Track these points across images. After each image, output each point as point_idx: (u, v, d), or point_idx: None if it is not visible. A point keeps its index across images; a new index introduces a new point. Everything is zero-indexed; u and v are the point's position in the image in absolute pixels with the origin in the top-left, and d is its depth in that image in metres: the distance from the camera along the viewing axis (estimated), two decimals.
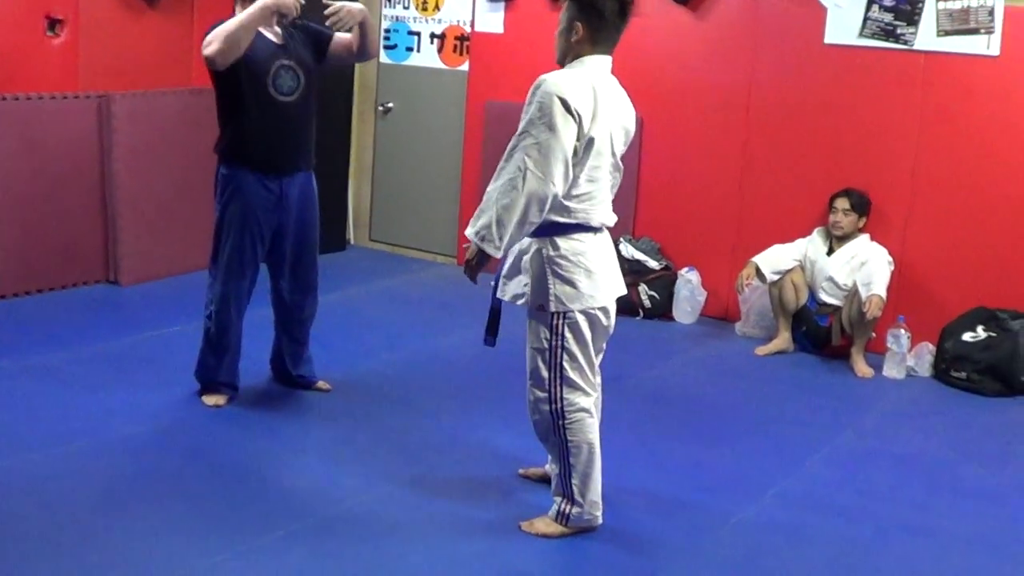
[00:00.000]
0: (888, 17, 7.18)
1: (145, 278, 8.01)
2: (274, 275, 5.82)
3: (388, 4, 9.47)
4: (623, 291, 4.60)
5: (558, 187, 4.18)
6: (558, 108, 4.14)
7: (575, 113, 4.17)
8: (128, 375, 6.14)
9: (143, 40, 8.12)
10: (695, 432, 5.90)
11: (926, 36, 7.09)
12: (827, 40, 7.44)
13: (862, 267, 7.02)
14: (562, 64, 4.42)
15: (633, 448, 5.57)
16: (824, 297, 7.25)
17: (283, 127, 5.51)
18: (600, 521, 4.64)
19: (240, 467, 5.07)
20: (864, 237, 7.21)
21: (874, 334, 7.13)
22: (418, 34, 9.35)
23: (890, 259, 7.04)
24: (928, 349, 7.07)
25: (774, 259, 7.30)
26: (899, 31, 7.15)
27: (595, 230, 4.43)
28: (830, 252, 7.24)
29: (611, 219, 4.50)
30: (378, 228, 9.75)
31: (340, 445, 5.42)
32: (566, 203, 4.27)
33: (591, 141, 4.25)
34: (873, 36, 7.25)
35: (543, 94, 4.17)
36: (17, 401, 5.66)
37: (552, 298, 4.35)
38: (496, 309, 4.61)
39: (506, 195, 4.18)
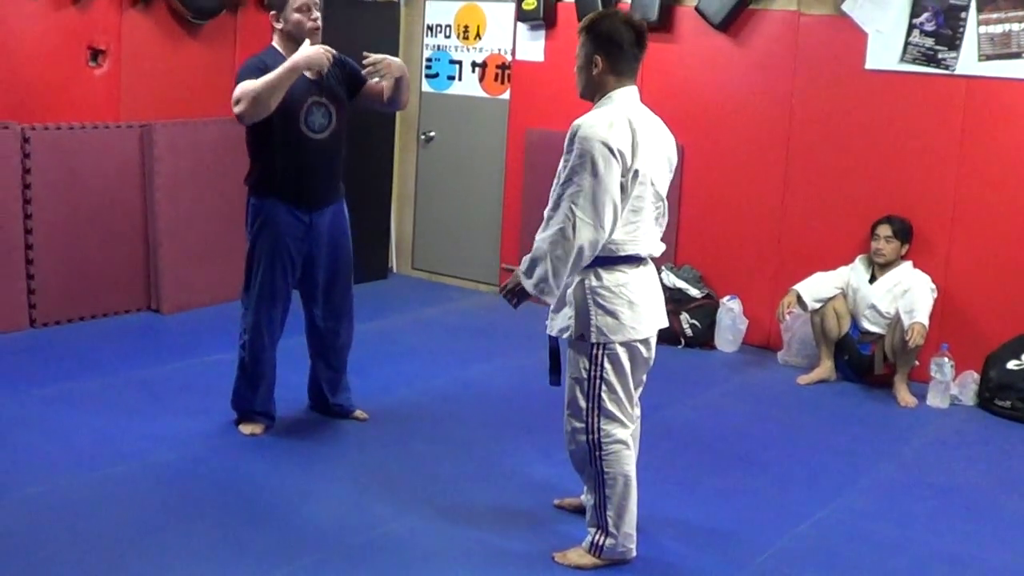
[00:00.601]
0: (929, 42, 7.12)
1: (187, 306, 8.05)
2: (307, 303, 5.82)
3: (430, 33, 9.51)
4: (665, 323, 4.57)
5: (607, 232, 4.20)
6: (600, 152, 4.15)
7: (616, 153, 4.16)
8: (165, 402, 6.17)
9: (184, 69, 8.19)
10: (733, 462, 5.84)
11: (967, 61, 7.02)
12: (868, 66, 7.39)
13: (905, 295, 6.94)
14: (588, 99, 4.43)
15: (670, 477, 5.52)
16: (867, 325, 7.17)
17: (314, 164, 5.49)
18: (634, 554, 4.59)
19: (272, 495, 5.06)
20: (907, 264, 7.14)
21: (917, 362, 7.05)
22: (460, 63, 9.38)
23: (933, 286, 6.96)
24: (972, 377, 6.97)
25: (816, 287, 7.23)
26: (940, 56, 7.09)
27: (639, 261, 4.41)
28: (872, 280, 7.17)
29: (657, 249, 4.49)
30: (420, 256, 9.76)
31: (372, 473, 5.40)
32: (613, 237, 4.27)
33: (636, 173, 4.24)
34: (914, 61, 7.19)
35: (581, 139, 4.17)
36: (53, 427, 5.70)
37: (594, 329, 4.33)
38: (555, 348, 4.59)
39: (558, 246, 4.19)
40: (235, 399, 5.81)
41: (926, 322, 6.71)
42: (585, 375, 4.40)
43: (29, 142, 7.22)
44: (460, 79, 9.39)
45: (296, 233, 5.52)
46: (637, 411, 4.66)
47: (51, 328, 7.40)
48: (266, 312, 5.60)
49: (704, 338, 7.93)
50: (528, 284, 4.27)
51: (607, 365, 4.37)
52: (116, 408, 6.04)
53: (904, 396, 6.93)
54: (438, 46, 9.49)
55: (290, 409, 6.05)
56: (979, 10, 6.95)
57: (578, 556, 4.57)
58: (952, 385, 6.93)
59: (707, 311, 7.94)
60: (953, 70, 7.09)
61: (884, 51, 7.32)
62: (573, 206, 4.16)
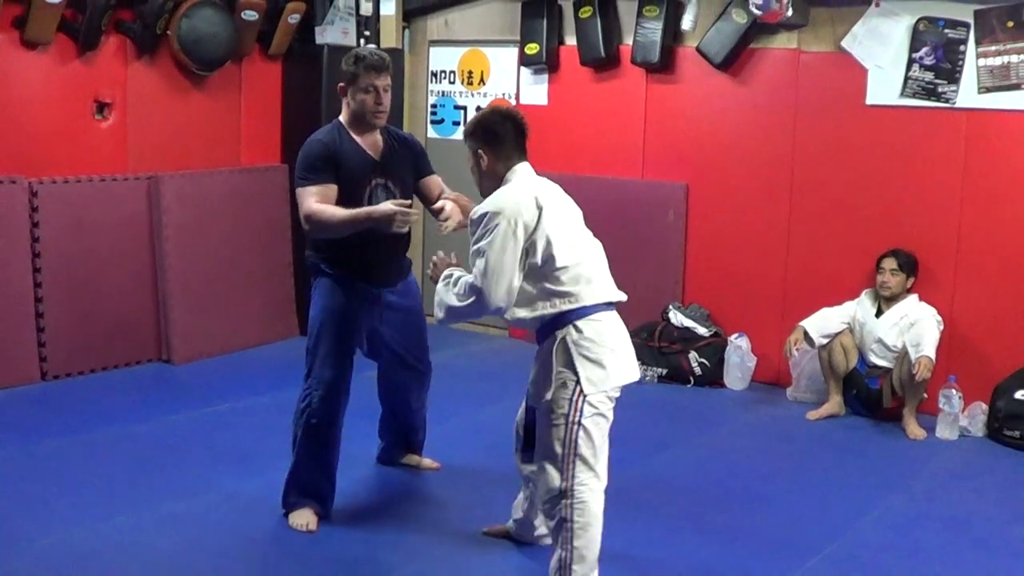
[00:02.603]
0: (929, 76, 7.16)
1: (197, 356, 8.08)
2: (381, 370, 5.74)
3: (434, 79, 9.58)
4: (636, 376, 4.63)
5: (500, 304, 4.40)
6: (504, 225, 4.33)
7: (520, 225, 4.35)
8: (177, 452, 6.19)
9: (191, 120, 8.25)
10: (743, 498, 5.83)
11: (967, 93, 7.06)
12: (869, 101, 7.43)
13: (911, 328, 6.95)
14: (490, 192, 4.59)
15: (680, 515, 5.53)
16: (874, 359, 7.18)
17: (378, 245, 5.25)
18: None
19: (287, 544, 5.08)
20: (913, 297, 7.14)
21: (926, 395, 7.04)
22: (464, 108, 9.44)
23: (939, 319, 6.97)
24: (981, 408, 6.96)
25: (822, 323, 7.24)
26: (940, 89, 7.13)
27: (608, 307, 4.51)
28: (879, 314, 7.17)
29: (620, 296, 4.60)
30: (429, 302, 9.73)
31: (381, 516, 5.42)
32: (565, 289, 4.41)
33: (551, 233, 4.39)
34: (915, 95, 7.23)
35: (484, 216, 4.37)
36: (65, 478, 5.72)
37: (584, 381, 4.38)
38: (531, 424, 4.68)
39: (462, 300, 4.47)
40: (295, 480, 5.34)
41: (933, 355, 6.71)
42: (563, 422, 4.41)
43: (37, 196, 7.27)
44: (465, 124, 9.42)
45: (361, 305, 5.34)
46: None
47: (62, 380, 7.43)
48: (341, 368, 5.30)
49: (713, 376, 7.93)
50: (438, 307, 4.59)
51: (586, 411, 4.40)
52: (128, 459, 6.06)
53: (913, 429, 6.92)
54: (443, 92, 9.56)
55: None
56: (978, 43, 6.99)
57: None
58: (961, 416, 6.92)
59: (715, 349, 7.95)
60: (954, 103, 7.12)
61: (884, 86, 7.36)
62: (482, 276, 4.35)
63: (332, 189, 5.14)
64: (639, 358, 7.87)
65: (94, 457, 6.06)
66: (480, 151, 4.59)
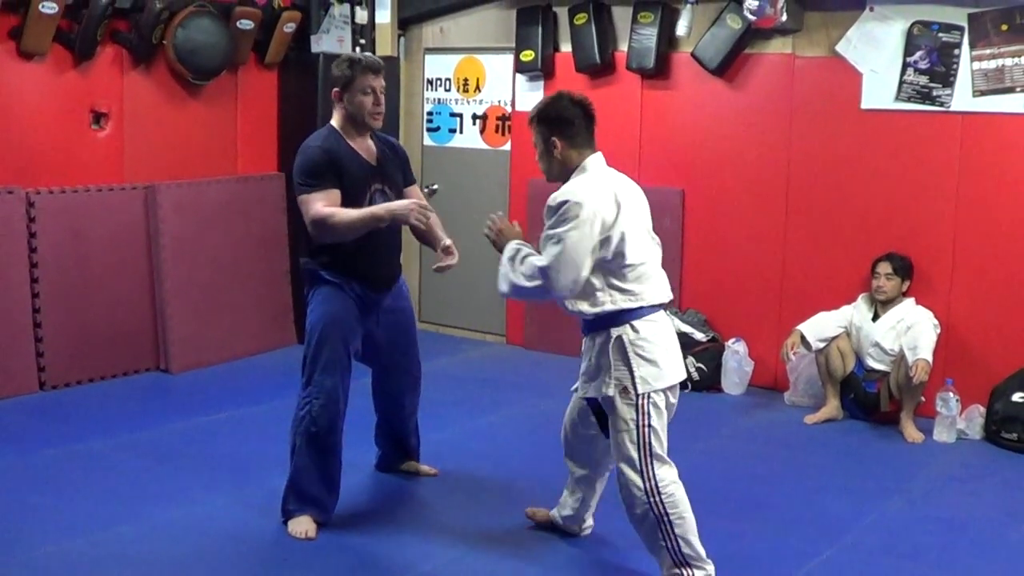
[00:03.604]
0: (923, 80, 7.18)
1: (195, 365, 8.08)
2: (376, 375, 5.75)
3: (430, 87, 9.59)
4: (684, 374, 4.75)
5: (565, 293, 4.48)
6: (585, 214, 4.40)
7: (599, 218, 4.43)
8: (175, 461, 6.19)
9: (187, 130, 8.27)
10: (741, 503, 5.84)
11: (962, 97, 7.08)
12: (864, 105, 7.45)
13: (908, 331, 6.96)
14: (558, 179, 4.68)
15: None
16: (871, 363, 7.18)
17: (379, 248, 5.31)
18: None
19: (285, 549, 5.08)
20: (909, 301, 7.16)
21: (923, 398, 7.05)
22: (460, 116, 9.45)
23: (936, 322, 6.98)
24: (978, 411, 6.97)
25: (819, 327, 7.25)
26: (935, 93, 7.15)
27: (661, 307, 4.61)
28: (875, 317, 7.19)
29: (670, 295, 4.69)
30: (427, 309, 9.78)
31: (382, 520, 5.42)
32: (629, 287, 4.50)
33: (626, 229, 4.48)
34: (909, 99, 7.25)
35: (564, 204, 4.44)
36: (64, 488, 5.72)
37: (639, 380, 4.49)
38: (598, 407, 4.77)
39: (536, 291, 4.54)
40: (294, 488, 5.31)
41: (930, 358, 6.73)
42: (633, 426, 4.52)
43: (34, 206, 7.29)
44: (461, 132, 9.46)
45: (359, 310, 5.34)
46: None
47: (60, 390, 7.43)
48: (341, 376, 5.29)
49: (710, 381, 7.94)
50: (503, 281, 4.65)
51: (652, 412, 4.52)
52: (126, 468, 6.06)
53: (911, 432, 6.93)
54: (438, 99, 9.57)
55: None
56: (972, 46, 7.01)
57: None
58: (958, 419, 6.93)
59: (713, 354, 7.96)
60: (948, 107, 7.14)
61: (879, 90, 7.38)
62: (554, 262, 4.42)
63: (336, 195, 5.13)
64: None
65: (93, 466, 6.06)
66: (553, 138, 4.60)
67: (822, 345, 7.23)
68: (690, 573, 4.59)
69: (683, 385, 7.54)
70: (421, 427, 6.05)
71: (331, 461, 5.32)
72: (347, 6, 8.93)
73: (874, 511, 5.72)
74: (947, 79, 7.11)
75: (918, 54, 7.19)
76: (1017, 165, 7.01)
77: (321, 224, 5.07)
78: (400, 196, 5.43)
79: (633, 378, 4.49)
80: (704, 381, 7.91)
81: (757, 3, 7.18)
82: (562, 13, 8.59)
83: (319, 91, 8.46)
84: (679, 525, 4.54)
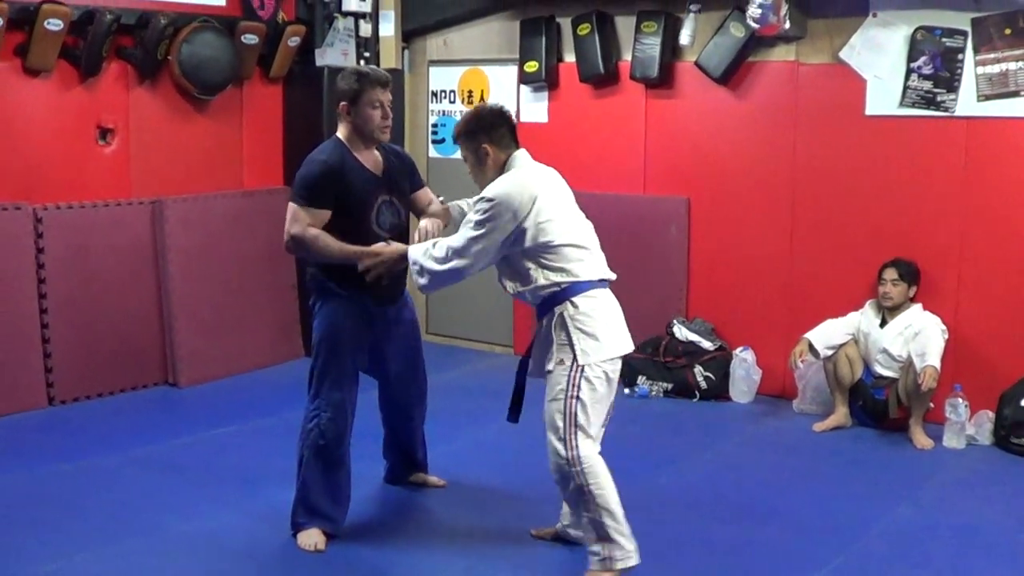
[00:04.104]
0: (927, 85, 7.17)
1: (203, 379, 8.09)
2: (382, 387, 5.74)
3: (435, 99, 9.60)
4: (631, 347, 4.94)
5: (474, 269, 4.82)
6: (498, 211, 4.66)
7: (512, 211, 4.67)
8: (184, 475, 6.20)
9: (193, 145, 8.29)
10: (750, 512, 5.83)
11: (967, 102, 7.07)
12: (868, 111, 7.44)
13: (916, 337, 6.95)
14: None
15: (688, 529, 5.54)
16: (880, 370, 7.17)
17: None
18: (638, 558, 4.77)
19: (295, 563, 5.09)
20: (916, 307, 7.15)
21: (932, 404, 7.04)
22: None
23: (944, 328, 6.97)
24: (987, 417, 6.96)
25: (826, 334, 7.24)
26: (939, 98, 7.14)
27: (603, 284, 4.84)
28: (883, 324, 7.18)
29: (611, 274, 4.92)
30: (434, 321, 9.78)
31: (391, 534, 5.42)
32: (560, 265, 4.73)
33: (553, 214, 4.74)
34: (914, 105, 7.25)
35: (485, 200, 4.70)
36: (70, 502, 5.73)
37: (579, 352, 4.69)
38: (521, 386, 5.00)
39: (451, 275, 4.81)
40: (303, 501, 5.32)
41: (937, 365, 6.71)
42: (562, 396, 4.70)
43: (41, 222, 7.31)
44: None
45: (365, 323, 5.34)
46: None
47: (69, 405, 7.45)
48: (348, 389, 5.32)
49: (718, 390, 7.93)
50: (421, 275, 4.84)
51: (583, 385, 4.69)
52: (135, 482, 6.07)
53: (920, 439, 6.92)
54: (443, 111, 9.58)
55: None
56: (976, 51, 7.00)
57: None
58: (968, 425, 6.91)
59: (720, 363, 7.95)
60: (953, 112, 7.13)
61: (883, 96, 7.38)
62: (465, 248, 4.73)
63: (325, 215, 5.13)
64: (644, 373, 7.94)
65: (101, 481, 6.07)
66: (484, 146, 4.86)
67: (830, 353, 7.22)
68: (608, 551, 4.72)
69: (690, 394, 7.75)
70: (429, 439, 6.05)
71: (339, 473, 5.33)
72: (351, 19, 8.95)
73: (884, 518, 5.71)
74: (951, 84, 7.11)
75: (922, 59, 7.19)
76: (1022, 168, 7.00)
77: (300, 242, 5.12)
78: (407, 204, 5.50)
79: (574, 351, 4.68)
80: (712, 390, 7.90)
81: (760, 11, 7.19)
82: (565, 24, 8.59)
83: (324, 104, 8.48)
84: (600, 496, 4.68)
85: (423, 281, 4.85)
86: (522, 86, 8.93)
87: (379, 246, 5.06)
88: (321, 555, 5.13)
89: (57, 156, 7.54)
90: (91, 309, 7.61)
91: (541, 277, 4.74)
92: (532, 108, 8.90)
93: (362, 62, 9.00)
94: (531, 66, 8.71)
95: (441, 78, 9.58)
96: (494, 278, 4.97)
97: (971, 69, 7.04)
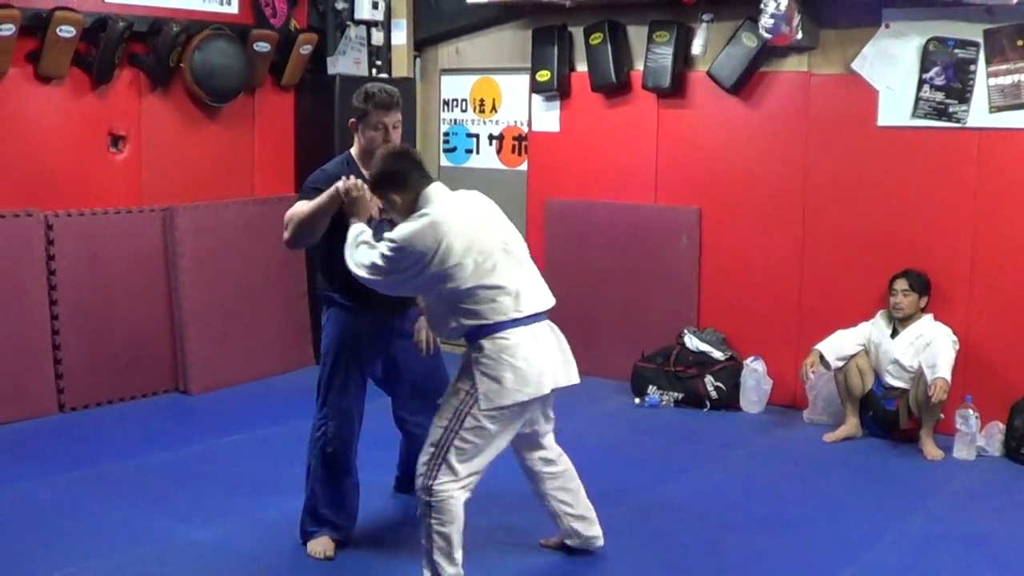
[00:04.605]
0: (940, 96, 7.17)
1: (214, 386, 8.10)
2: (393, 402, 5.70)
3: (446, 108, 9.61)
4: (566, 381, 4.89)
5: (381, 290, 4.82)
6: (407, 252, 4.61)
7: (418, 254, 4.60)
8: (195, 482, 6.20)
9: (205, 152, 8.30)
10: (760, 522, 5.81)
11: (979, 113, 7.06)
12: (880, 122, 7.44)
13: (927, 348, 6.93)
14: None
15: (698, 539, 5.54)
16: (890, 380, 7.16)
17: None
18: None
19: (305, 571, 5.09)
20: (927, 317, 7.14)
21: (942, 416, 7.02)
22: (476, 136, 9.47)
23: (955, 339, 6.96)
24: (998, 428, 6.94)
25: (837, 345, 7.23)
26: (951, 109, 7.14)
27: (522, 323, 4.69)
28: (894, 334, 7.16)
29: (542, 305, 4.82)
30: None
31: (397, 541, 5.42)
32: (475, 308, 4.63)
33: (456, 265, 4.59)
34: (926, 116, 7.24)
35: (394, 239, 4.63)
36: (84, 510, 5.74)
37: (482, 396, 4.62)
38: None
39: (359, 266, 4.76)
40: (311, 509, 5.37)
41: (948, 376, 6.69)
42: (445, 423, 4.72)
43: (53, 229, 7.32)
44: (478, 152, 9.47)
45: (373, 333, 5.35)
46: (549, 452, 5.14)
47: (79, 412, 7.46)
48: (355, 397, 5.36)
49: (729, 400, 7.92)
50: (359, 267, 4.77)
51: (468, 422, 4.67)
52: (146, 489, 6.07)
53: (930, 450, 6.90)
54: (455, 120, 9.59)
55: None
56: (988, 62, 7.00)
57: None
58: (978, 436, 6.90)
59: (731, 373, 7.94)
60: (965, 123, 7.12)
61: (895, 107, 7.37)
62: (377, 257, 4.66)
63: None
64: (654, 383, 7.93)
65: (112, 488, 6.07)
66: (392, 195, 4.79)
67: (841, 363, 7.20)
68: None
69: (701, 404, 7.75)
70: None
71: (346, 481, 5.37)
72: (363, 28, 8.97)
73: (894, 529, 5.70)
74: (963, 95, 7.10)
75: (934, 70, 7.19)
76: None
77: (289, 222, 5.21)
78: None
79: (475, 394, 4.64)
80: (723, 400, 7.89)
81: (772, 21, 7.18)
82: (577, 33, 8.60)
83: (336, 113, 8.48)
84: (438, 536, 4.70)
85: (351, 264, 4.82)
86: (534, 95, 8.94)
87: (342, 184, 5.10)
88: (331, 563, 5.13)
89: (68, 163, 7.55)
90: (102, 316, 7.62)
91: (452, 320, 4.70)
92: (544, 117, 8.90)
93: (374, 71, 9.02)
94: (543, 75, 8.71)
95: (453, 87, 9.59)
96: None
97: (983, 80, 7.04)
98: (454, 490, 4.69)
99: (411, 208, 4.74)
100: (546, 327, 4.82)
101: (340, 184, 5.01)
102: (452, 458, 4.67)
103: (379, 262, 4.64)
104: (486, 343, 4.62)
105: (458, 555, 4.73)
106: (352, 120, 5.31)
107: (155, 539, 5.36)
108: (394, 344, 5.44)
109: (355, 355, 5.32)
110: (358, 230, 4.87)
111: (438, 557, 4.70)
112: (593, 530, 5.23)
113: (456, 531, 4.71)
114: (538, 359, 4.69)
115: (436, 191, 4.79)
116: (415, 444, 5.72)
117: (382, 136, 5.23)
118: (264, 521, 5.63)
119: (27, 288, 7.23)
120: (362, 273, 4.73)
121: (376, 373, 5.49)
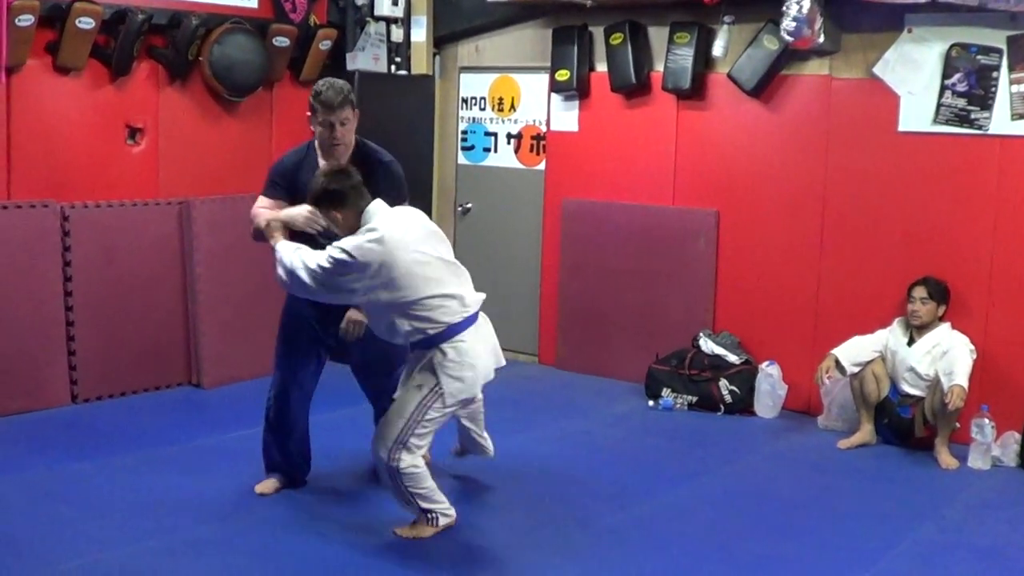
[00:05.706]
0: (962, 102, 7.12)
1: (227, 380, 8.10)
2: (353, 372, 6.10)
3: (465, 106, 9.59)
4: (503, 362, 5.54)
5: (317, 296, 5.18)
6: (351, 266, 4.94)
7: (361, 268, 4.94)
8: (206, 476, 6.20)
9: (221, 146, 8.31)
10: (773, 527, 5.79)
11: (1001, 120, 7.02)
12: (901, 128, 7.40)
13: (944, 357, 6.89)
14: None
15: (710, 544, 5.50)
16: (906, 388, 7.12)
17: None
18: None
19: (314, 568, 5.07)
20: (945, 326, 7.09)
21: (958, 424, 6.97)
22: (495, 135, 9.45)
23: (972, 347, 6.91)
24: (1014, 438, 6.90)
25: (854, 351, 7.19)
26: (973, 116, 7.09)
27: (470, 320, 5.22)
28: (911, 342, 7.12)
29: (478, 302, 5.32)
30: None
31: (412, 544, 5.39)
32: (427, 314, 5.08)
33: (401, 276, 4.99)
34: (947, 122, 7.20)
35: (342, 250, 4.94)
36: (94, 501, 5.74)
37: (447, 394, 5.16)
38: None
39: (299, 270, 5.04)
40: (264, 456, 6.08)
41: (965, 384, 6.65)
42: (406, 414, 5.17)
43: (69, 220, 7.33)
44: (496, 151, 9.45)
45: (317, 315, 5.76)
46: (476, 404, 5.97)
47: (92, 404, 7.47)
48: (290, 373, 5.85)
49: (743, 404, 7.88)
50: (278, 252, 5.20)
51: (430, 415, 5.18)
52: (157, 482, 6.07)
53: (945, 458, 6.86)
54: (473, 118, 9.57)
55: (337, 480, 6.17)
56: (1010, 69, 6.95)
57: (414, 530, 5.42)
58: (993, 446, 6.85)
59: (746, 377, 7.91)
60: (986, 130, 7.08)
61: (917, 113, 7.33)
62: (321, 265, 4.97)
63: (280, 205, 5.65)
64: (669, 385, 7.91)
65: (124, 480, 6.08)
66: (334, 213, 5.11)
67: (857, 369, 7.16)
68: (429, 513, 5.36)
69: (715, 407, 7.72)
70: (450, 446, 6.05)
71: (290, 438, 5.95)
72: (383, 24, 8.97)
73: (907, 538, 5.66)
74: (985, 102, 7.06)
75: (956, 77, 7.14)
76: None
77: (251, 220, 5.69)
78: None
79: (440, 387, 5.14)
80: (737, 404, 7.86)
81: (795, 24, 7.15)
82: (598, 32, 8.58)
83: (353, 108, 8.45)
84: (420, 493, 5.30)
85: (280, 274, 5.14)
86: (553, 94, 8.91)
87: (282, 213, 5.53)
88: (340, 561, 5.12)
89: (86, 155, 7.57)
90: (116, 308, 7.63)
91: (407, 325, 5.09)
92: (563, 117, 8.88)
93: (393, 67, 9.01)
94: (562, 75, 8.69)
95: (472, 85, 9.57)
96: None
97: (1006, 87, 6.99)
98: (415, 460, 5.22)
99: (355, 224, 5.07)
100: (482, 318, 5.35)
101: (261, 222, 5.54)
102: (412, 441, 5.16)
103: (325, 265, 4.94)
104: (448, 348, 5.11)
105: (440, 495, 5.37)
106: (308, 114, 5.58)
107: (165, 533, 5.35)
108: (337, 324, 5.77)
109: (297, 331, 5.82)
110: (293, 245, 5.22)
111: (427, 504, 5.31)
112: (486, 443, 6.20)
113: (429, 483, 5.31)
114: (486, 353, 5.30)
115: (379, 207, 5.12)
116: (376, 407, 6.12)
117: (328, 133, 5.50)
118: (276, 516, 5.63)
119: (42, 279, 7.24)
120: (302, 276, 5.01)
121: (331, 345, 5.91)
